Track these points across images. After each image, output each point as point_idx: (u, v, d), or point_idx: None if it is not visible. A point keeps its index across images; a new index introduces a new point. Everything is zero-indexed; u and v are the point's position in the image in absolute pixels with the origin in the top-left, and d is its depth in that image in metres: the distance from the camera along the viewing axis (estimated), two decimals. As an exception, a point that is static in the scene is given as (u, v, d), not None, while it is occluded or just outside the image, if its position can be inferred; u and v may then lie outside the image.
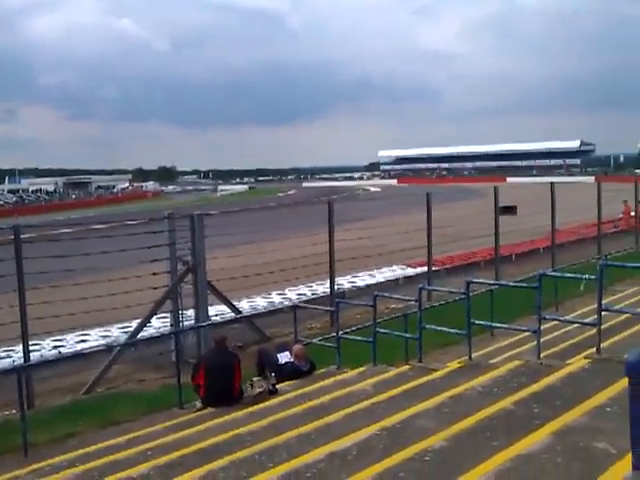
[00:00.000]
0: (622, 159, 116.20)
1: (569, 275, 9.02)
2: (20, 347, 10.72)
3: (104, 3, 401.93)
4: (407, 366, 8.96)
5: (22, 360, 10.54)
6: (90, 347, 12.73)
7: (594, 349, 7.49)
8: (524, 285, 9.24)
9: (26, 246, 10.67)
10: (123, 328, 14.14)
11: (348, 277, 19.08)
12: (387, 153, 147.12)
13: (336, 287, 16.01)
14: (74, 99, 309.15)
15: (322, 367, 10.06)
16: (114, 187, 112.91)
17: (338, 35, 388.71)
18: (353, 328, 11.64)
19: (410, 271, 20.27)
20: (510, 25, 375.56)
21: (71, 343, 13.63)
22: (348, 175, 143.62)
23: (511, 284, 10.66)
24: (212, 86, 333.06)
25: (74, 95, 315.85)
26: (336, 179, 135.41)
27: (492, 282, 13.68)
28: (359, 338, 10.31)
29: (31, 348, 10.89)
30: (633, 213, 25.98)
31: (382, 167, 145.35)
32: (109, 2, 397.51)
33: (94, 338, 13.92)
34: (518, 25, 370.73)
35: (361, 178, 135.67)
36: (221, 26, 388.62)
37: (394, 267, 20.87)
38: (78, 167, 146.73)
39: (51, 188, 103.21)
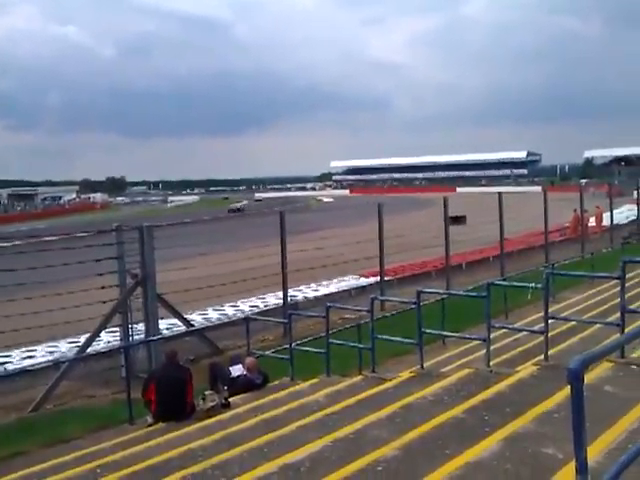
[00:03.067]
0: (567, 169, 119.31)
1: (517, 284, 9.21)
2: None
3: (47, 10, 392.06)
4: (360, 376, 8.98)
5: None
6: (37, 363, 12.42)
7: (542, 356, 7.65)
8: (474, 294, 9.38)
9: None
10: (71, 343, 13.83)
11: (301, 288, 19.07)
12: (339, 164, 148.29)
13: (289, 298, 16.00)
14: (17, 108, 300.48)
15: (275, 379, 10.01)
16: (61, 198, 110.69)
17: (288, 45, 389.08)
18: (307, 339, 11.63)
19: (363, 281, 20.39)
20: (456, 37, 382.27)
21: (17, 359, 13.26)
22: (300, 185, 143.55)
23: (461, 293, 10.83)
24: (158, 95, 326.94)
25: (17, 104, 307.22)
26: (288, 189, 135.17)
27: (443, 292, 13.85)
28: (312, 349, 10.31)
29: (-25, 365, 10.59)
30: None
31: (334, 177, 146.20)
32: (52, 9, 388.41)
33: (41, 354, 13.57)
34: (464, 37, 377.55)
35: (313, 189, 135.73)
36: (166, 35, 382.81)
37: (347, 277, 20.94)
38: (22, 178, 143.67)
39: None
